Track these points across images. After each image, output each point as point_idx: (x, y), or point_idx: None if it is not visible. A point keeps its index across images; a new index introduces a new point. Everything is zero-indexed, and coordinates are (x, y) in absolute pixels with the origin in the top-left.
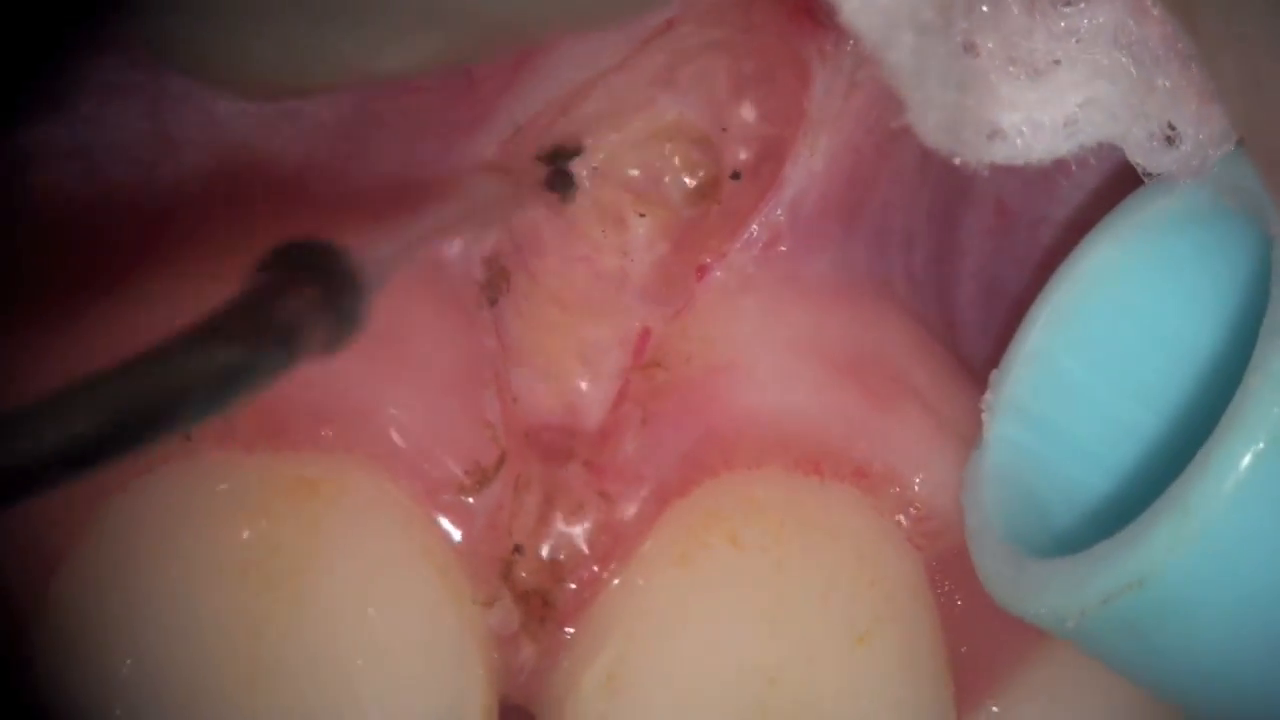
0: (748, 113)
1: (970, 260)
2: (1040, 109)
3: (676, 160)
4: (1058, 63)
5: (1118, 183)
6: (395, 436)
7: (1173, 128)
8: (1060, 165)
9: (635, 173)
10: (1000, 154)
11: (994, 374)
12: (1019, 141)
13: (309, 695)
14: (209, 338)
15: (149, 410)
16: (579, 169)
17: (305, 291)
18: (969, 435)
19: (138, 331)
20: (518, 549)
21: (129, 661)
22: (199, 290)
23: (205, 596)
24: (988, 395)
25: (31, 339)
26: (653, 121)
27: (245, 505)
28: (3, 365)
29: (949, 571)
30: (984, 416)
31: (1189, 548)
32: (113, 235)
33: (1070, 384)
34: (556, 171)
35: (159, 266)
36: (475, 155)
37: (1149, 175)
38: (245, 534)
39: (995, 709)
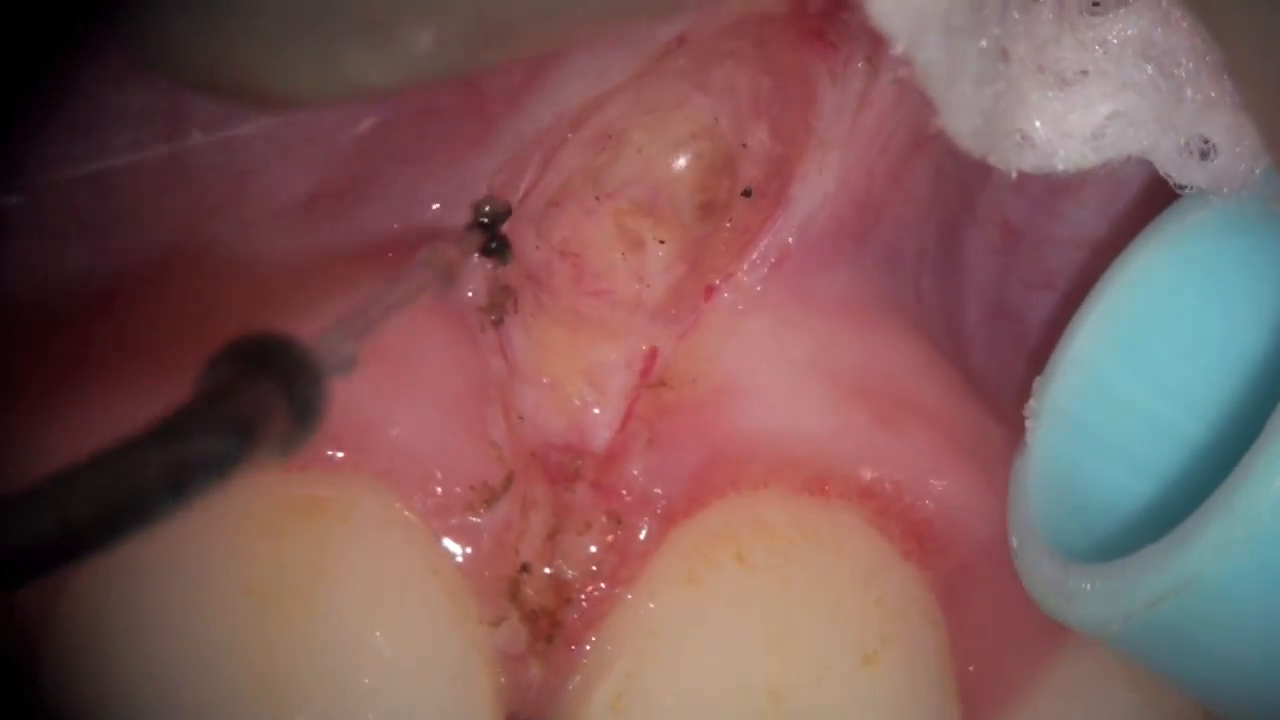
0: (763, 129)
1: (976, 278)
2: (1067, 119)
3: (697, 173)
4: (1085, 73)
5: (1122, 202)
6: (402, 456)
7: (1206, 140)
8: (1065, 185)
9: (653, 185)
10: (1029, 162)
11: (1037, 380)
12: (1048, 150)
13: (315, 712)
14: (167, 438)
15: (104, 514)
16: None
17: (261, 388)
18: (978, 451)
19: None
20: (525, 568)
21: (137, 677)
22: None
23: (212, 614)
24: (1031, 402)
25: None
26: (690, 122)
27: (253, 523)
28: None
29: (957, 590)
30: (1028, 423)
31: (1235, 551)
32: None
33: (1114, 389)
34: (492, 238)
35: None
36: (479, 171)
37: (1181, 188)
38: (253, 551)
39: None
